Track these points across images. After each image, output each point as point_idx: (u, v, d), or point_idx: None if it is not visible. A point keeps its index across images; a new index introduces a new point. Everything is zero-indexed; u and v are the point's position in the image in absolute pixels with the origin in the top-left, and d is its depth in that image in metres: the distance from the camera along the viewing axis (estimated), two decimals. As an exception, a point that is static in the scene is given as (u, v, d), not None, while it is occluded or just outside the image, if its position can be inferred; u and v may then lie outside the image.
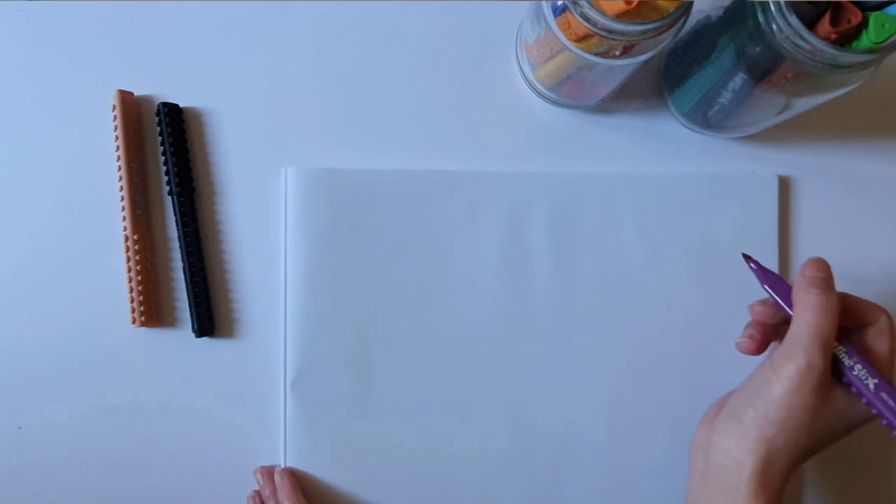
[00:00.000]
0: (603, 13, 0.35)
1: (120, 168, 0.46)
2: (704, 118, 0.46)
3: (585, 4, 0.35)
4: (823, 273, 0.37)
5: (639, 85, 0.49)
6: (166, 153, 0.47)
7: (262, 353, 0.47)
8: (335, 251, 0.47)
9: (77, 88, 0.47)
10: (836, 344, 0.36)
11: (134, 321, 0.46)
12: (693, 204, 0.48)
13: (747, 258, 0.40)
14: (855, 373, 0.36)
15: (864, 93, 0.40)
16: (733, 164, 0.49)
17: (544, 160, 0.48)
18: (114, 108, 0.46)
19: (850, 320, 0.38)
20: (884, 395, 0.35)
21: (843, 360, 0.36)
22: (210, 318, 0.47)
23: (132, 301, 0.46)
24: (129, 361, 0.47)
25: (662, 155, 0.49)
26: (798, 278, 0.38)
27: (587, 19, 0.36)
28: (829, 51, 0.34)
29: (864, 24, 0.35)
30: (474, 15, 0.49)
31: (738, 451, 0.37)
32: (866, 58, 0.35)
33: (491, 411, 0.47)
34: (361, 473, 0.47)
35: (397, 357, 0.47)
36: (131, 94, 0.47)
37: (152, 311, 0.47)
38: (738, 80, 0.40)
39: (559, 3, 0.37)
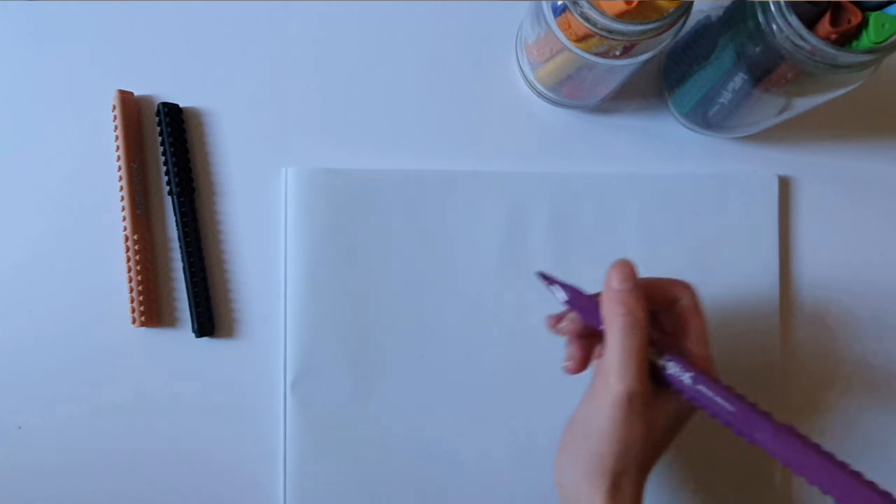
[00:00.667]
0: (603, 13, 0.35)
1: (120, 168, 0.46)
2: (704, 118, 0.46)
3: (585, 4, 0.35)
4: (628, 282, 0.35)
5: (639, 85, 0.49)
6: (166, 153, 0.47)
7: (262, 353, 0.47)
8: (335, 251, 0.47)
9: (77, 88, 0.47)
10: (649, 347, 0.35)
11: (134, 321, 0.46)
12: (693, 204, 0.48)
13: (543, 276, 0.38)
14: (670, 371, 0.35)
15: (864, 93, 0.40)
16: (733, 164, 0.49)
17: (544, 160, 0.48)
18: (114, 108, 0.46)
19: (657, 303, 0.37)
20: (701, 387, 0.34)
21: (657, 361, 0.35)
22: (210, 318, 0.47)
23: (132, 301, 0.46)
24: (130, 361, 0.47)
25: (662, 155, 0.49)
26: (604, 291, 0.36)
27: (587, 19, 0.36)
28: (829, 51, 0.34)
29: (864, 24, 0.35)
30: (474, 15, 0.49)
31: (583, 486, 0.36)
32: (866, 58, 0.35)
33: (491, 411, 0.47)
34: (361, 473, 0.47)
35: (397, 357, 0.47)
36: (131, 94, 0.47)
37: (152, 311, 0.47)
38: (738, 80, 0.40)
39: (559, 3, 0.37)
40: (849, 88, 0.39)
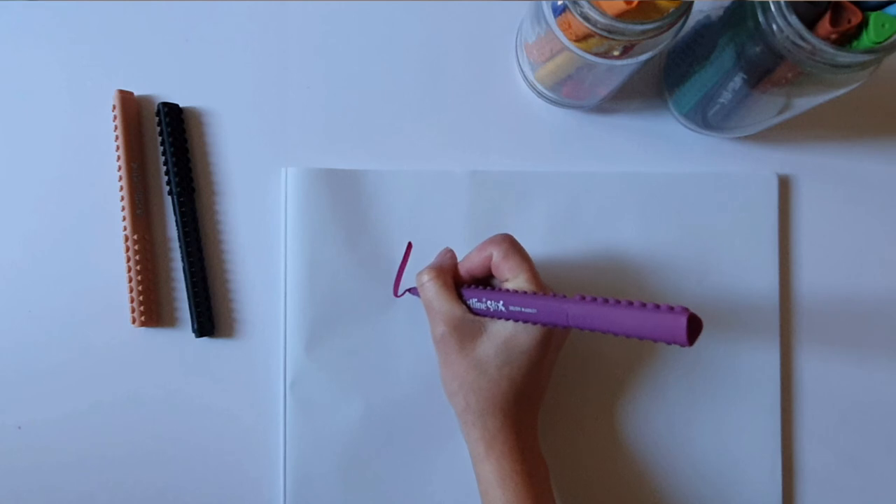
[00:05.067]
0: (603, 13, 0.35)
1: (120, 168, 0.46)
2: (704, 118, 0.46)
3: (585, 4, 0.35)
4: (435, 260, 0.43)
5: (639, 85, 0.49)
6: (166, 153, 0.47)
7: (262, 353, 0.47)
8: (335, 251, 0.47)
9: (77, 88, 0.47)
10: (462, 299, 0.40)
11: (134, 321, 0.46)
12: (693, 204, 0.48)
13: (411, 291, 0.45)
14: (488, 308, 0.38)
15: (864, 93, 0.40)
16: (733, 164, 0.49)
17: (544, 160, 0.48)
18: (114, 108, 0.46)
19: (483, 269, 0.41)
20: (513, 307, 0.37)
21: (474, 305, 0.39)
22: (210, 318, 0.47)
23: (132, 301, 0.46)
24: (130, 361, 0.47)
25: (662, 155, 0.49)
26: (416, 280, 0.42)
27: (587, 19, 0.36)
28: (829, 51, 0.34)
29: (864, 24, 0.35)
30: (474, 15, 0.49)
31: (461, 426, 0.41)
32: (866, 58, 0.35)
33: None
34: (361, 473, 0.46)
35: (397, 357, 0.47)
36: (131, 94, 0.47)
37: (152, 311, 0.47)
38: (738, 80, 0.40)
39: (559, 3, 0.37)
40: (849, 88, 0.39)
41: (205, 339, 0.47)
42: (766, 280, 0.48)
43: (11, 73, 0.47)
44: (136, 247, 0.46)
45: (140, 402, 0.47)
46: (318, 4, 0.48)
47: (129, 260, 0.46)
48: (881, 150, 0.49)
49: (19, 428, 0.47)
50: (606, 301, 0.32)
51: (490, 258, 0.40)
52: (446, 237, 0.47)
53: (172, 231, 0.48)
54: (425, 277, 0.41)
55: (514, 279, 0.39)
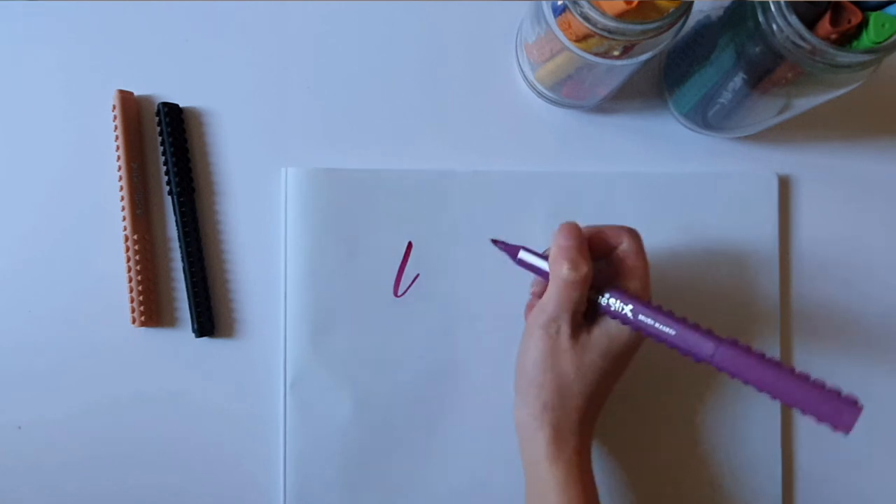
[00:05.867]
0: (603, 13, 0.35)
1: (120, 168, 0.46)
2: (704, 118, 0.46)
3: (585, 4, 0.35)
4: (574, 240, 0.38)
5: (639, 85, 0.49)
6: (166, 153, 0.47)
7: (262, 353, 0.47)
8: (335, 251, 0.47)
9: (77, 88, 0.47)
10: (591, 290, 0.38)
11: (134, 321, 0.46)
12: (693, 204, 0.48)
13: (496, 242, 0.41)
14: (612, 306, 0.37)
15: (864, 93, 0.40)
16: (733, 164, 0.49)
17: (544, 160, 0.48)
18: (114, 108, 0.46)
19: (602, 251, 0.39)
20: (642, 316, 0.36)
21: (599, 300, 0.38)
22: (210, 318, 0.47)
23: (132, 301, 0.46)
24: (130, 361, 0.47)
25: (662, 155, 0.49)
26: (552, 248, 0.38)
27: (587, 19, 0.36)
28: (829, 51, 0.34)
29: (864, 24, 0.35)
30: (474, 15, 0.49)
31: (530, 422, 0.39)
32: (866, 58, 0.35)
33: (490, 410, 0.47)
34: (361, 473, 0.47)
35: (397, 356, 0.47)
36: (131, 94, 0.47)
37: (152, 311, 0.47)
38: (738, 80, 0.40)
39: (559, 3, 0.37)
40: (849, 88, 0.39)
41: (205, 339, 0.47)
42: (766, 280, 0.48)
43: (11, 73, 0.47)
44: (136, 247, 0.46)
45: (140, 402, 0.47)
46: (318, 4, 0.48)
47: (129, 260, 0.46)
48: (881, 150, 0.49)
49: (19, 428, 0.47)
50: (764, 358, 0.32)
51: (618, 245, 0.39)
52: (446, 237, 0.47)
53: (172, 231, 0.48)
54: (569, 267, 0.37)
55: (632, 280, 0.38)
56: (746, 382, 0.32)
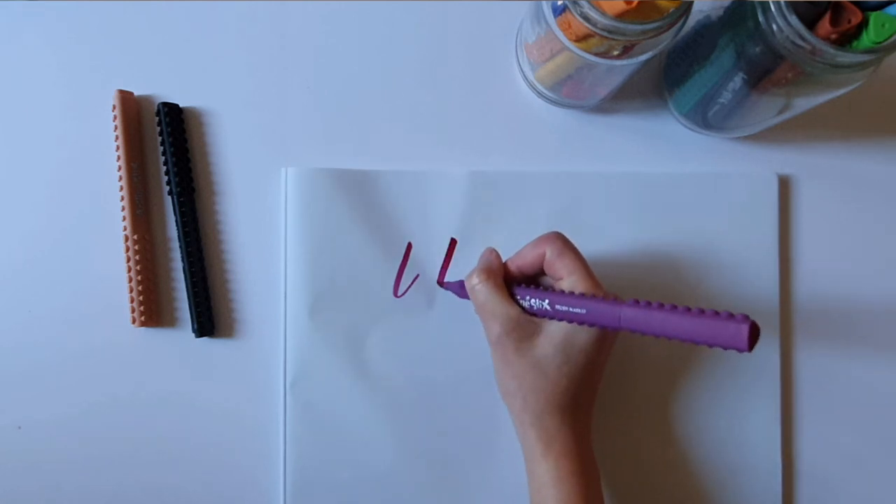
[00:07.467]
0: (603, 13, 0.35)
1: (120, 168, 0.46)
2: (704, 118, 0.46)
3: (585, 4, 0.35)
4: (481, 262, 0.42)
5: (639, 85, 0.49)
6: (166, 153, 0.47)
7: (262, 353, 0.47)
8: (335, 251, 0.47)
9: (77, 88, 0.47)
10: (515, 299, 0.40)
11: (134, 321, 0.46)
12: (693, 204, 0.48)
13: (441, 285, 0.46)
14: (533, 307, 0.39)
15: (864, 93, 0.40)
16: (733, 164, 0.49)
17: (544, 160, 0.48)
18: (114, 108, 0.46)
19: (534, 267, 0.41)
20: (559, 306, 0.37)
21: (522, 304, 0.40)
22: (210, 318, 0.47)
23: (132, 301, 0.46)
24: (130, 361, 0.47)
25: (662, 155, 0.49)
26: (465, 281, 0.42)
27: (587, 19, 0.36)
28: (829, 51, 0.34)
29: (864, 24, 0.35)
30: (474, 15, 0.49)
31: (518, 425, 0.41)
32: (866, 58, 0.35)
33: (489, 409, 0.47)
34: (361, 473, 0.47)
35: (396, 357, 0.47)
36: (131, 94, 0.47)
37: (152, 311, 0.47)
38: (738, 80, 0.40)
39: (559, 3, 0.37)
40: (849, 88, 0.39)
41: (205, 338, 0.47)
42: (766, 280, 0.48)
43: (11, 73, 0.47)
44: (136, 247, 0.46)
45: (140, 402, 0.47)
46: (318, 4, 0.48)
47: (129, 260, 0.46)
48: (881, 150, 0.49)
49: (19, 428, 0.47)
50: (663, 306, 0.33)
51: (543, 256, 0.40)
52: (446, 237, 0.47)
53: (172, 231, 0.48)
54: (475, 280, 0.41)
55: (567, 278, 0.39)
56: (654, 335, 0.33)
